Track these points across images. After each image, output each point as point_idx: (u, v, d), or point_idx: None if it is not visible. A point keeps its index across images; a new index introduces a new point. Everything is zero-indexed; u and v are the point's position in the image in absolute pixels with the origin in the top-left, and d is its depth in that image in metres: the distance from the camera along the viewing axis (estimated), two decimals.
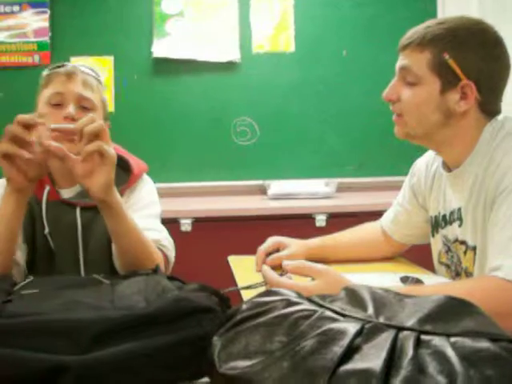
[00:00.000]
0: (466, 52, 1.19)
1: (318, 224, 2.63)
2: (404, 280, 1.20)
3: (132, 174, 1.51)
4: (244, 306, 0.76)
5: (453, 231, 1.30)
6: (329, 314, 0.69)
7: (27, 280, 1.04)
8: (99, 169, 1.13)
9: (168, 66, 2.95)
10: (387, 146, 2.84)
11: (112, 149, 1.15)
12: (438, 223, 1.37)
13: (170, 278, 1.02)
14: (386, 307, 0.68)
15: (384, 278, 1.24)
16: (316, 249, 1.53)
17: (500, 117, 1.25)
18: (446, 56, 1.18)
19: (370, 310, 0.68)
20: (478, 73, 1.19)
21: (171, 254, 1.43)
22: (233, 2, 2.96)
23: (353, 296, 0.72)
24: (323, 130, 2.99)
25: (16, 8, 2.98)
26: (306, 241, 1.56)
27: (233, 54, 2.95)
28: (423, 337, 0.61)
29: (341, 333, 0.63)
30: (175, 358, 0.80)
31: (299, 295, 0.76)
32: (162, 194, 2.95)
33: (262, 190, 2.90)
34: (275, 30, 2.99)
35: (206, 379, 0.77)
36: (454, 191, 1.29)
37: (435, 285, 1.17)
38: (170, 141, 2.96)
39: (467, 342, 0.60)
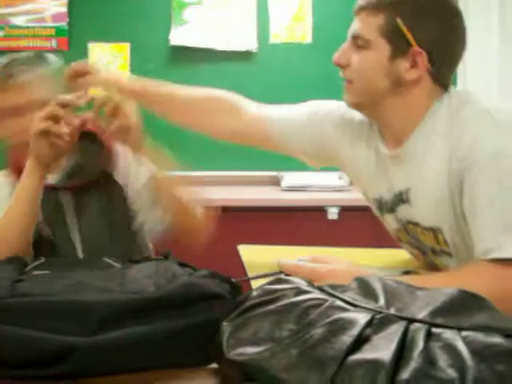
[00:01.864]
0: (421, 19, 1.13)
1: (330, 217, 2.62)
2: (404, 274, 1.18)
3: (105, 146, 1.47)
4: (254, 293, 0.76)
5: (404, 213, 1.22)
6: (339, 303, 0.68)
7: (39, 261, 1.04)
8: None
9: (185, 54, 2.95)
10: None
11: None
12: (384, 206, 1.28)
13: (181, 264, 1.02)
14: (397, 299, 0.67)
15: (385, 272, 1.21)
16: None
17: (450, 89, 1.19)
18: (399, 21, 1.12)
19: (381, 301, 0.67)
20: (431, 42, 1.13)
21: None
22: None
23: (364, 287, 0.72)
24: None
25: None
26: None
27: (250, 43, 2.94)
28: (434, 329, 0.61)
29: (350, 322, 0.63)
30: (183, 343, 0.80)
31: (310, 284, 0.76)
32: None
33: (276, 181, 2.89)
34: (293, 20, 2.97)
35: (214, 365, 0.77)
36: (399, 170, 1.21)
37: (437, 277, 1.14)
38: (184, 129, 2.96)
39: (479, 336, 0.59)
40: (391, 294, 0.68)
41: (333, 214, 2.61)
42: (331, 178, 2.83)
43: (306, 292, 0.72)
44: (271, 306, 0.72)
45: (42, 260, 1.06)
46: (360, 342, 0.61)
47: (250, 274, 1.26)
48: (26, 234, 1.24)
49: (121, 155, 1.50)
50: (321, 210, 2.62)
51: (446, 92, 1.18)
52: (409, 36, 1.12)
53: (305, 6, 2.96)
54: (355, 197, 2.70)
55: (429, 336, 0.60)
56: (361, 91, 1.21)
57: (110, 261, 1.06)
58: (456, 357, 0.56)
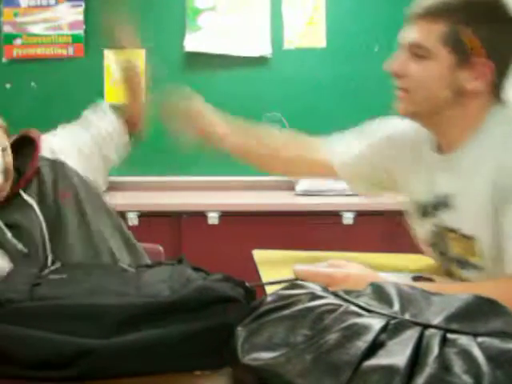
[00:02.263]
0: (486, 26, 1.08)
1: (345, 222, 2.61)
2: (416, 280, 1.17)
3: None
4: (269, 298, 0.76)
5: (444, 217, 1.21)
6: (354, 308, 0.68)
7: (55, 265, 1.06)
8: None
9: (199, 60, 2.96)
10: None
11: None
12: (425, 208, 1.26)
13: (196, 269, 1.03)
14: (412, 304, 0.67)
15: (396, 276, 1.20)
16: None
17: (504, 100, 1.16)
18: (462, 29, 1.07)
19: (396, 307, 0.67)
20: (501, 53, 1.09)
21: None
22: None
23: (379, 292, 0.72)
24: (354, 126, 2.97)
25: (52, 1, 3.02)
26: None
27: (264, 48, 2.95)
28: (449, 335, 0.60)
29: (365, 328, 0.63)
30: (198, 346, 0.81)
31: (324, 289, 0.76)
32: (191, 187, 2.98)
33: (290, 186, 2.89)
34: (307, 25, 2.97)
35: (228, 369, 0.77)
36: (446, 176, 1.19)
37: (456, 285, 1.14)
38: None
39: (495, 342, 0.58)
40: (406, 300, 0.68)
41: (348, 218, 2.60)
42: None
43: (321, 297, 0.72)
44: (286, 311, 0.72)
45: (59, 264, 1.08)
46: (375, 347, 0.61)
47: (265, 278, 1.26)
48: None
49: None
50: (336, 215, 2.61)
51: (500, 103, 1.16)
52: (476, 46, 1.08)
53: (319, 10, 2.96)
54: (370, 201, 2.69)
55: (444, 342, 0.59)
56: (419, 101, 1.17)
57: (124, 265, 1.08)
58: (471, 363, 0.56)
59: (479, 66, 1.09)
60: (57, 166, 1.44)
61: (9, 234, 1.35)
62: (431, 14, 1.11)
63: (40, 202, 1.39)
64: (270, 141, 1.49)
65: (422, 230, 1.32)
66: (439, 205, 1.21)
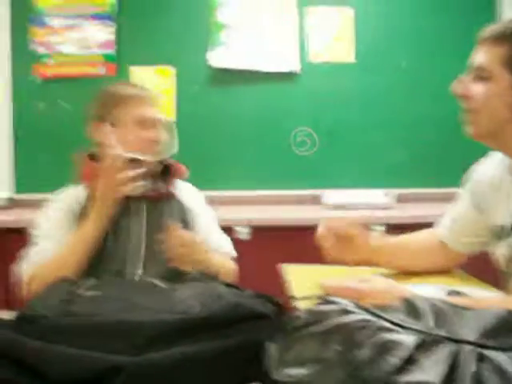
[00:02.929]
0: None
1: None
2: (451, 294, 1.16)
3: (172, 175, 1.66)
4: (300, 314, 0.76)
5: None
6: (386, 324, 0.67)
7: (89, 282, 1.07)
8: None
9: (228, 76, 2.98)
10: (448, 156, 2.77)
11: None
12: (503, 230, 1.29)
13: (227, 285, 1.03)
14: (445, 320, 0.66)
15: (430, 290, 1.19)
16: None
17: None
18: None
19: (430, 322, 0.66)
20: None
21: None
22: (292, 11, 2.97)
23: (411, 307, 0.71)
24: (383, 140, 2.95)
25: (83, 21, 3.08)
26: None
27: (292, 64, 2.96)
28: (484, 352, 0.59)
29: (398, 344, 0.62)
30: (230, 362, 0.81)
31: (355, 304, 0.75)
32: (220, 201, 2.99)
33: (316, 200, 2.88)
34: (335, 40, 2.97)
35: None
36: None
37: (487, 300, 1.12)
38: (229, 150, 2.99)
39: None
40: (439, 315, 0.67)
41: (378, 232, 2.58)
42: (376, 195, 2.80)
43: (352, 313, 0.72)
44: (317, 327, 0.71)
45: (92, 281, 1.09)
46: (408, 363, 0.60)
47: (294, 293, 1.26)
48: (80, 267, 1.32)
49: (189, 190, 1.72)
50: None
51: None
52: None
53: (347, 25, 2.96)
54: (401, 214, 2.66)
55: (479, 358, 0.58)
56: (482, 122, 1.22)
57: (156, 281, 1.09)
58: (507, 380, 0.55)
59: None
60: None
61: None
62: (495, 38, 1.17)
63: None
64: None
65: (499, 252, 1.34)
66: None
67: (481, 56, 1.19)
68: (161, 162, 1.64)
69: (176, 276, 1.35)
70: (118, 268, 1.35)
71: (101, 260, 1.35)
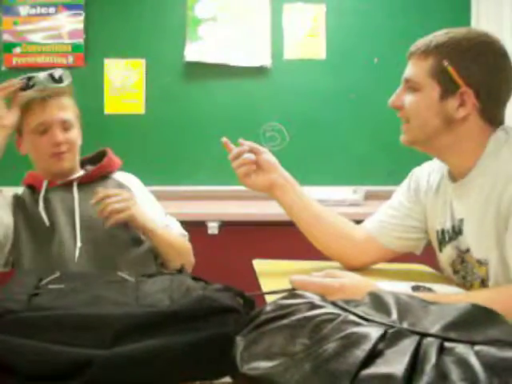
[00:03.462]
0: (467, 61, 1.20)
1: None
2: (415, 289, 1.18)
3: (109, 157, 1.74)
4: (268, 308, 0.77)
5: (464, 241, 1.28)
6: (352, 318, 0.68)
7: (54, 275, 1.06)
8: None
9: (199, 70, 2.97)
10: (417, 154, 2.82)
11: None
12: (446, 236, 1.34)
13: (195, 279, 1.03)
14: (410, 313, 0.67)
15: (395, 286, 1.21)
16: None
17: (505, 126, 1.25)
18: (446, 63, 1.20)
19: (394, 316, 0.67)
20: (477, 81, 1.20)
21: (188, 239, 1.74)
22: (265, 7, 2.98)
23: (377, 301, 0.72)
24: (353, 136, 2.98)
25: (52, 10, 3.03)
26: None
27: (264, 59, 2.96)
28: (447, 344, 0.61)
29: (364, 337, 0.63)
30: (198, 356, 0.81)
31: (323, 299, 0.76)
32: (190, 196, 2.98)
33: None
34: (306, 36, 2.99)
35: (227, 379, 0.78)
36: (459, 202, 1.28)
37: (454, 295, 1.15)
38: (199, 144, 2.98)
39: (492, 350, 0.59)
40: (404, 309, 0.69)
41: None
42: (345, 193, 2.82)
43: (319, 307, 0.73)
44: (285, 321, 0.72)
45: (57, 274, 1.08)
46: (373, 356, 0.61)
47: (265, 288, 1.26)
48: None
49: (129, 177, 1.78)
50: None
51: (500, 129, 1.24)
52: (456, 77, 1.20)
53: (319, 22, 2.98)
54: (370, 211, 2.69)
55: (441, 350, 0.60)
56: (415, 130, 1.28)
57: (124, 275, 1.08)
58: (468, 371, 0.56)
59: (463, 95, 1.21)
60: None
61: (41, 207, 1.56)
62: (421, 52, 1.25)
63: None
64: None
65: (444, 258, 1.37)
66: (456, 230, 1.30)
67: (410, 69, 1.27)
68: (93, 155, 1.77)
69: (114, 240, 1.52)
70: (57, 247, 1.49)
71: (41, 243, 1.49)
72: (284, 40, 2.98)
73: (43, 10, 3.04)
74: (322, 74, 2.98)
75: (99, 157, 1.75)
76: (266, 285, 1.31)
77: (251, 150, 1.48)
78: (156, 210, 1.73)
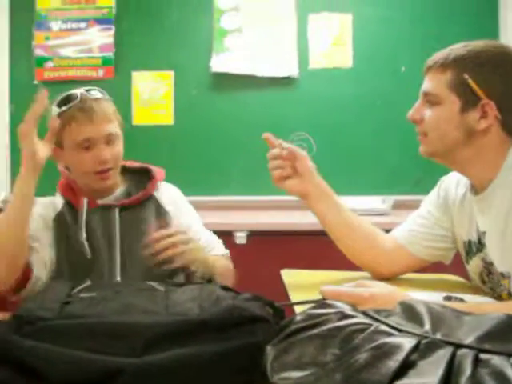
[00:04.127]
0: (486, 72, 1.20)
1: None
2: (447, 299, 1.16)
3: (153, 179, 1.63)
4: (298, 318, 0.76)
5: (488, 254, 1.27)
6: (384, 328, 0.67)
7: (85, 284, 1.07)
8: None
9: (226, 81, 2.99)
10: None
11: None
12: (473, 247, 1.32)
13: (224, 288, 1.03)
14: (443, 323, 0.66)
15: (426, 296, 1.20)
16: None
17: None
18: (466, 76, 1.20)
19: (427, 326, 0.66)
20: (498, 92, 1.20)
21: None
22: (291, 17, 2.99)
23: (409, 311, 0.71)
24: (381, 146, 2.96)
25: (83, 25, 3.09)
26: None
27: (290, 69, 2.97)
28: (482, 355, 0.59)
29: (396, 347, 0.62)
30: (227, 366, 0.81)
31: (353, 308, 0.75)
32: (219, 206, 2.99)
33: None
34: (333, 45, 2.99)
35: None
36: (482, 215, 1.27)
37: (486, 304, 1.14)
38: (227, 154, 2.99)
39: None
40: (437, 319, 0.67)
41: None
42: (374, 202, 2.80)
43: (350, 316, 0.72)
44: (315, 331, 0.71)
45: (89, 283, 1.09)
46: (406, 367, 0.60)
47: (293, 298, 1.26)
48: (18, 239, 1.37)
49: (169, 191, 1.68)
50: None
51: None
52: (476, 89, 1.19)
53: (345, 31, 2.98)
54: (399, 220, 2.67)
55: (477, 362, 0.58)
56: (435, 142, 1.28)
57: (153, 284, 1.08)
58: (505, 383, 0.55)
59: (485, 107, 1.20)
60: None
61: (84, 236, 1.46)
62: (440, 65, 1.25)
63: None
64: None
65: (472, 269, 1.37)
66: (481, 242, 1.28)
67: (428, 83, 1.27)
68: (136, 168, 1.67)
69: (152, 274, 1.38)
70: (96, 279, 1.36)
71: (81, 277, 1.28)
72: (310, 49, 2.98)
73: (74, 25, 3.10)
74: (348, 82, 2.97)
75: (141, 172, 1.66)
76: (294, 295, 1.30)
77: (290, 154, 1.48)
78: (199, 228, 1.67)
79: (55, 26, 3.09)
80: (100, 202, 1.53)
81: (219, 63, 2.99)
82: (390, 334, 0.66)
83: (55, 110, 1.48)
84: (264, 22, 3.00)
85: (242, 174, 2.97)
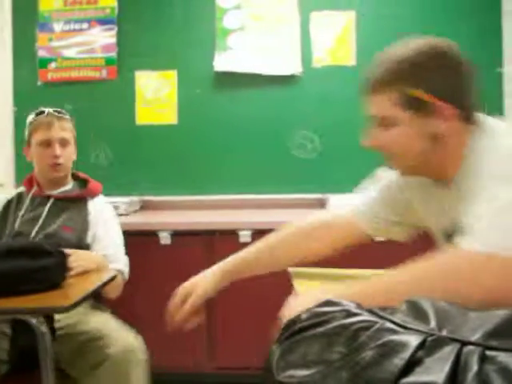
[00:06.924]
0: (426, 77, 1.17)
1: (377, 238, 2.58)
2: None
3: (88, 189, 2.13)
4: (303, 316, 0.76)
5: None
6: (389, 325, 0.67)
7: None
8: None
9: (230, 80, 2.99)
10: None
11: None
12: (448, 232, 1.29)
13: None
14: (449, 320, 0.66)
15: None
16: (242, 265, 1.45)
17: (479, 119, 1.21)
18: (409, 89, 1.16)
19: (433, 323, 0.66)
20: (445, 90, 1.17)
21: (126, 274, 2.03)
22: (294, 15, 2.98)
23: (414, 308, 0.71)
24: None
25: (85, 25, 3.10)
26: (224, 263, 1.46)
27: (294, 67, 2.97)
28: (488, 352, 0.59)
29: (402, 345, 0.62)
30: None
31: (359, 306, 0.75)
32: (223, 206, 3.00)
33: (321, 204, 2.89)
34: (336, 43, 2.98)
35: None
36: (454, 203, 1.24)
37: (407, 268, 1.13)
38: (232, 153, 2.99)
39: None
40: (443, 316, 0.67)
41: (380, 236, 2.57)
42: None
43: (355, 314, 0.72)
44: (320, 329, 0.71)
45: None
46: (412, 364, 0.60)
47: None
48: None
49: (101, 205, 2.12)
50: None
51: (477, 126, 1.21)
52: (424, 97, 1.16)
53: (348, 28, 2.97)
54: None
55: (483, 359, 0.58)
56: (406, 161, 1.25)
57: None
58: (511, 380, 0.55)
59: (440, 109, 1.17)
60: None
61: (22, 212, 2.02)
62: (379, 86, 1.20)
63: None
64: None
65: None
66: (456, 228, 1.25)
67: (374, 107, 1.23)
68: (77, 176, 2.17)
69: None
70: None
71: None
72: (313, 47, 2.98)
73: (77, 26, 3.10)
74: (352, 80, 2.97)
75: (85, 181, 2.16)
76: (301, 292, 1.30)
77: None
78: (110, 241, 2.03)
79: (57, 27, 3.09)
80: (47, 192, 2.05)
81: (222, 62, 2.99)
82: (395, 332, 0.66)
83: (30, 118, 2.06)
84: (267, 21, 3.00)
85: (245, 172, 2.97)
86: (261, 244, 1.49)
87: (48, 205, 2.02)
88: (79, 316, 1.83)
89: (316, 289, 1.10)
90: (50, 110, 2.06)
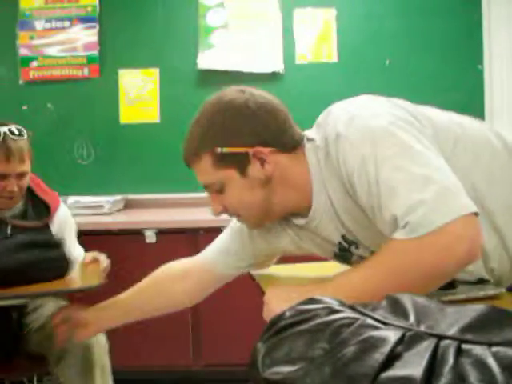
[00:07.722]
0: (228, 130, 1.20)
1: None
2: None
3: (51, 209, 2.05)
4: (287, 313, 0.78)
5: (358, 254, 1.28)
6: (370, 321, 0.69)
7: None
8: None
9: (212, 78, 3.00)
10: None
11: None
12: (338, 249, 1.31)
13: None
14: (427, 316, 0.68)
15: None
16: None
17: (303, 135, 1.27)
18: (216, 149, 1.19)
19: (412, 319, 0.68)
20: (252, 135, 1.19)
21: None
22: (276, 13, 3.00)
23: (394, 304, 0.73)
24: None
25: (67, 23, 3.09)
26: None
27: (276, 64, 2.98)
28: (464, 346, 0.61)
29: (382, 340, 0.64)
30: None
31: (341, 303, 0.77)
32: (207, 203, 3.00)
33: None
34: (318, 40, 3.00)
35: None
36: (326, 229, 1.26)
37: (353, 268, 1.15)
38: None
39: (510, 351, 0.59)
40: (421, 312, 0.69)
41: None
42: None
43: (338, 311, 0.74)
44: (304, 326, 0.73)
45: None
46: (391, 359, 0.62)
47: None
48: None
49: (59, 217, 2.08)
50: None
51: (304, 146, 1.26)
52: (234, 150, 1.19)
53: (329, 25, 2.99)
54: None
55: (459, 352, 0.60)
56: (252, 214, 1.26)
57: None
58: (486, 372, 0.57)
59: (255, 155, 1.19)
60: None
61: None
62: (193, 156, 1.24)
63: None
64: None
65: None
66: (346, 248, 1.28)
67: (199, 176, 1.25)
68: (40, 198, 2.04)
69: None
70: None
71: None
72: (296, 45, 3.00)
73: (58, 24, 3.09)
74: (334, 76, 2.99)
75: (43, 202, 2.04)
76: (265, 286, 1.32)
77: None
78: (73, 242, 2.11)
79: (39, 25, 3.08)
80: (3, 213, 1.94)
81: (205, 60, 3.00)
82: (376, 328, 0.68)
83: None
84: (249, 18, 3.01)
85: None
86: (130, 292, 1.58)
87: (8, 229, 1.93)
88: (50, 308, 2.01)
89: (286, 289, 1.13)
90: (6, 130, 1.86)
